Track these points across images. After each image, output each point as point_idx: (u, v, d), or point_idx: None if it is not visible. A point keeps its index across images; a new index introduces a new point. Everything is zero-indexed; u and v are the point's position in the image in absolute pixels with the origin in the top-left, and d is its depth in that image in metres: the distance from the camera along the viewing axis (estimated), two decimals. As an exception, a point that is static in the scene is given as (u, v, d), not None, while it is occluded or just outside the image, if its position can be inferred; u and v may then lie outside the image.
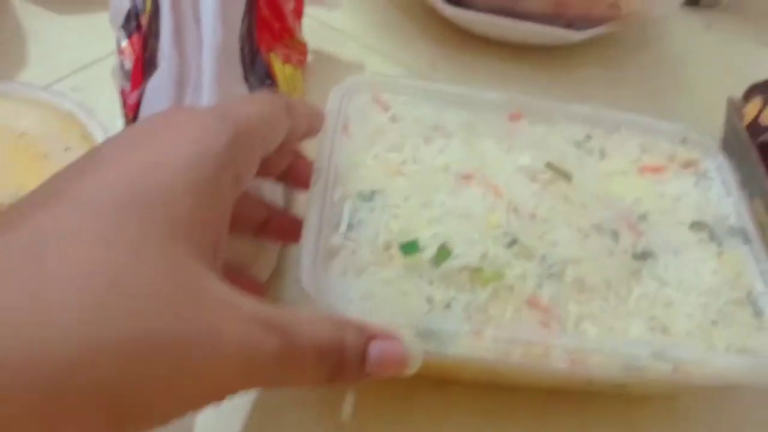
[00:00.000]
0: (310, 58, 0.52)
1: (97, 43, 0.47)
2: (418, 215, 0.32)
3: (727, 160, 0.38)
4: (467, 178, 0.34)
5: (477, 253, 0.31)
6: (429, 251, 0.31)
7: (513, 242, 0.31)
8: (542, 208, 0.33)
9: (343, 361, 0.23)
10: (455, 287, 0.30)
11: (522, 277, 0.30)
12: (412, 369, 0.25)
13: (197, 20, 0.34)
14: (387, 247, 0.31)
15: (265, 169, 0.29)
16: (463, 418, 0.33)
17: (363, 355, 0.23)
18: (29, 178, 0.32)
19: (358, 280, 0.30)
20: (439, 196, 0.33)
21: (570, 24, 0.53)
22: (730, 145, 0.48)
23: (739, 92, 0.48)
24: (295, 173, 0.33)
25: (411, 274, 0.30)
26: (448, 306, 0.29)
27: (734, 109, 0.48)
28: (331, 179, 0.32)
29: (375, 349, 0.24)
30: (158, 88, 0.33)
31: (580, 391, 0.33)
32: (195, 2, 0.34)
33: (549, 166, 0.35)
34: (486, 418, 0.33)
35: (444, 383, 0.34)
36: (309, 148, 0.34)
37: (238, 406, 0.32)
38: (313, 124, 0.32)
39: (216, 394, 0.21)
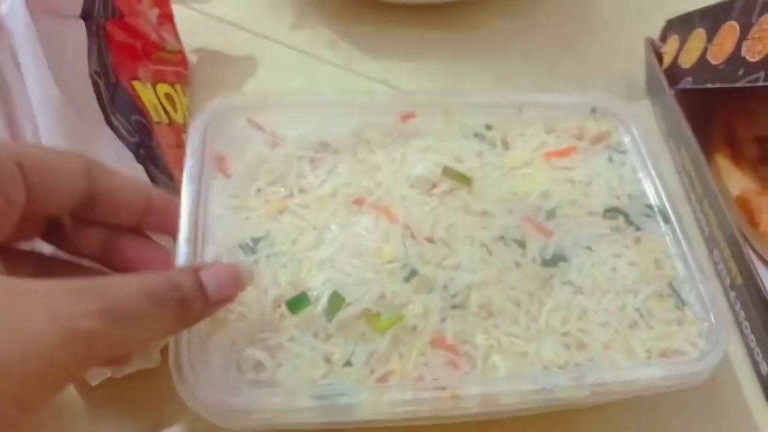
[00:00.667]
0: (194, 59, 0.47)
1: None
2: (307, 260, 0.29)
3: (651, 109, 0.34)
4: (358, 202, 0.32)
5: (373, 296, 0.28)
6: (321, 302, 0.28)
7: (411, 275, 0.29)
8: (441, 227, 0.30)
9: (185, 299, 0.24)
10: (354, 338, 0.28)
11: (424, 315, 0.28)
12: (249, 282, 0.26)
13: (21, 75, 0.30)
14: (277, 304, 0.28)
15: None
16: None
17: (201, 287, 0.25)
18: None
19: (247, 350, 0.27)
20: (328, 231, 0.30)
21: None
22: (653, 91, 0.45)
23: (657, 31, 0.45)
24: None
25: (305, 332, 0.28)
26: (347, 363, 0.27)
27: (652, 50, 0.44)
28: (204, 234, 0.30)
29: (208, 276, 0.25)
30: None
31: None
32: (14, 55, 0.30)
33: (446, 172, 0.32)
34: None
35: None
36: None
37: None
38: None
39: (50, 376, 0.20)
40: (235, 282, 0.26)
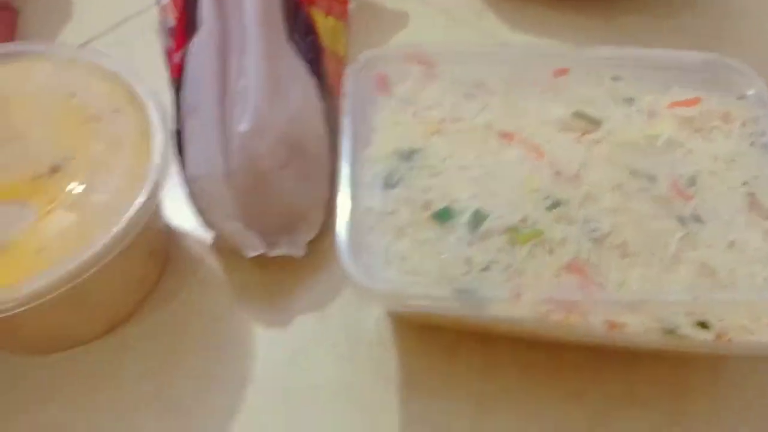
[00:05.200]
0: (352, 5, 0.50)
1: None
2: (456, 176, 0.32)
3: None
4: (508, 137, 0.34)
5: (515, 217, 0.30)
6: (465, 215, 0.31)
7: (554, 205, 0.31)
8: (585, 170, 0.32)
9: None
10: (494, 250, 0.30)
11: (562, 242, 0.30)
12: None
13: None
14: (426, 208, 0.31)
15: None
16: (506, 372, 0.33)
17: None
18: (81, 141, 0.31)
19: (396, 242, 0.30)
20: (478, 156, 0.33)
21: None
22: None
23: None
24: None
25: (449, 236, 0.30)
26: (486, 268, 0.29)
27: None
28: (364, 138, 0.32)
29: None
30: (201, 51, 0.33)
31: (624, 351, 0.33)
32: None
33: (579, 115, 0.34)
34: (528, 373, 0.33)
35: (487, 339, 0.34)
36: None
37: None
38: None
39: None
40: None
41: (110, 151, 0.31)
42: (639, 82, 0.36)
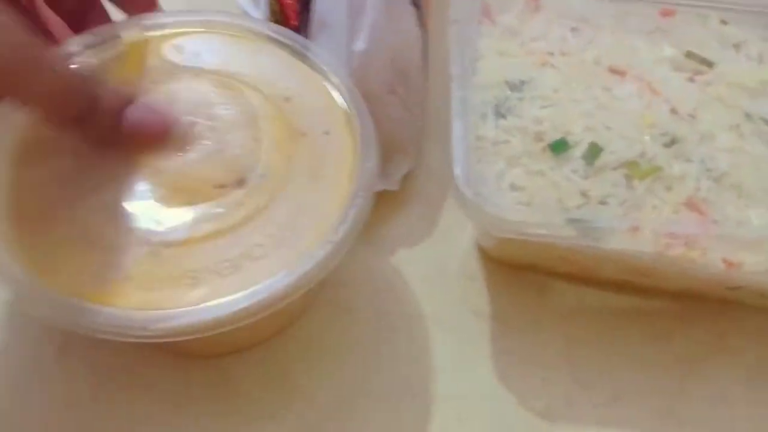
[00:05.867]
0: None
1: None
2: (569, 108, 0.31)
3: None
4: (618, 73, 0.33)
5: (633, 152, 0.30)
6: (580, 148, 0.30)
7: (671, 142, 0.30)
8: (700, 109, 0.31)
9: (93, 109, 0.24)
10: (610, 183, 0.29)
11: (680, 178, 0.29)
12: (161, 142, 0.26)
13: None
14: (538, 139, 0.30)
15: None
16: (595, 316, 0.33)
17: (117, 111, 0.24)
18: (278, 157, 0.27)
19: (509, 171, 0.29)
20: (590, 90, 0.32)
21: None
22: None
23: None
24: None
25: (564, 167, 0.29)
26: (603, 202, 0.29)
27: None
28: (472, 67, 0.31)
29: (134, 111, 0.25)
30: None
31: (719, 299, 0.32)
32: None
33: (701, 61, 0.33)
34: (618, 318, 0.33)
35: (578, 281, 0.34)
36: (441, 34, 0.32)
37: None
38: None
39: None
40: (156, 133, 0.26)
41: (306, 173, 0.27)
42: (746, 27, 0.35)
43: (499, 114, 0.31)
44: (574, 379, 0.32)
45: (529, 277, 0.34)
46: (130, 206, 0.25)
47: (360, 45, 0.31)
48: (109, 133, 0.25)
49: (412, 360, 0.32)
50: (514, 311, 0.33)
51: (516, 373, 0.32)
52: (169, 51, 0.29)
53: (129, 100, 0.25)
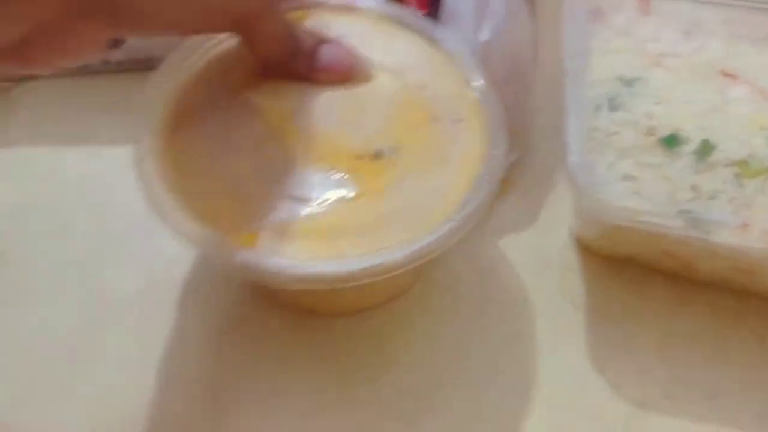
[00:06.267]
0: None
1: None
2: (681, 107, 0.32)
3: None
4: (730, 77, 0.33)
5: (744, 151, 0.30)
6: (691, 144, 0.31)
7: (783, 145, 0.30)
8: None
9: (299, 50, 0.28)
10: (720, 180, 0.30)
11: (792, 179, 0.30)
12: (354, 74, 0.29)
13: None
14: (650, 133, 0.31)
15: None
16: (692, 313, 0.33)
17: (314, 51, 0.28)
18: (412, 138, 0.28)
19: (621, 162, 0.30)
20: (702, 91, 0.32)
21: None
22: None
23: None
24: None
25: (675, 162, 0.30)
26: (713, 197, 0.29)
27: None
28: (585, 62, 0.33)
29: (326, 50, 0.28)
30: None
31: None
32: None
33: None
34: (717, 316, 0.33)
35: (675, 278, 0.34)
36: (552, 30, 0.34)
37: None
38: None
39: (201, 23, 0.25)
40: (345, 71, 0.29)
41: (436, 155, 0.28)
42: None
43: (612, 108, 0.32)
44: (671, 373, 0.32)
45: (626, 270, 0.35)
46: (275, 165, 0.27)
47: (484, 35, 0.32)
48: (307, 71, 0.28)
49: (507, 343, 0.33)
50: (610, 303, 0.34)
51: (611, 363, 0.32)
52: (315, 27, 0.31)
53: (322, 40, 0.29)
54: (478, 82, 0.30)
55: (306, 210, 0.26)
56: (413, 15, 0.32)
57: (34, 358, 0.32)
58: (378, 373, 0.32)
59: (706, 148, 0.30)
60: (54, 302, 0.33)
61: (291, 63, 0.28)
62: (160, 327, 0.32)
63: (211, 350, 0.32)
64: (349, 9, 0.32)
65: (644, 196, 0.29)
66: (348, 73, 0.29)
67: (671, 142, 0.30)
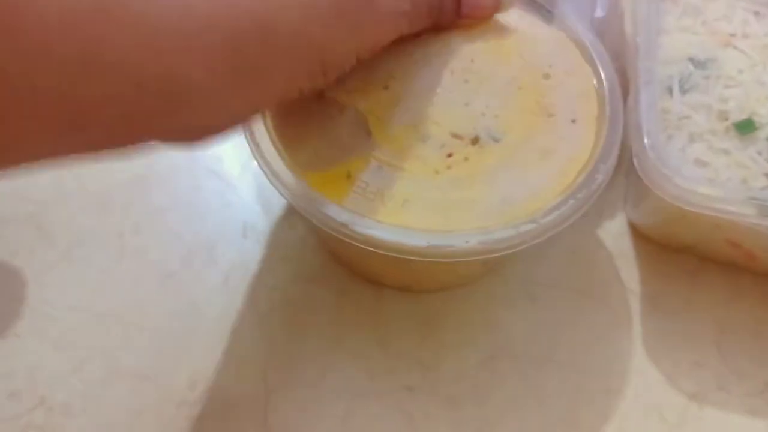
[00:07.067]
0: None
1: None
2: (755, 90, 0.30)
3: None
4: (804, 60, 0.32)
5: (822, 139, 0.29)
6: (766, 130, 0.29)
7: None
8: None
9: (443, 7, 0.27)
10: (796, 169, 0.28)
11: None
12: (502, 8, 0.28)
13: None
14: (723, 117, 0.30)
15: None
16: (748, 304, 0.33)
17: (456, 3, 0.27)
18: (519, 128, 0.26)
19: (692, 146, 0.29)
20: (775, 74, 0.31)
21: None
22: None
23: None
24: None
25: (749, 148, 0.29)
26: (787, 185, 0.28)
27: None
28: (656, 42, 0.31)
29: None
30: None
31: None
32: None
33: None
34: (772, 307, 0.32)
35: (731, 269, 0.33)
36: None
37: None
38: None
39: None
40: (489, 7, 0.28)
41: (539, 151, 0.26)
42: None
43: (683, 89, 0.30)
44: (726, 365, 0.31)
45: (682, 259, 0.34)
46: (372, 128, 0.26)
47: (599, 12, 0.31)
48: (452, 18, 0.27)
49: (562, 330, 0.32)
50: (666, 292, 0.33)
51: (666, 353, 0.31)
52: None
53: None
54: (605, 80, 0.28)
55: (389, 172, 0.25)
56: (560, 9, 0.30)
57: (78, 334, 0.31)
58: (430, 357, 0.31)
59: (781, 135, 0.29)
60: (97, 276, 0.33)
61: (438, 15, 0.27)
62: (207, 304, 0.32)
63: (261, 329, 0.31)
64: None
65: (717, 182, 0.28)
66: (489, 13, 0.28)
67: (745, 127, 0.29)
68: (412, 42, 0.27)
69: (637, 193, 0.33)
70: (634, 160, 0.28)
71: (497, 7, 0.28)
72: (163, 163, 0.36)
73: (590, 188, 0.25)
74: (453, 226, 0.24)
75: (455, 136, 0.26)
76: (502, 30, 0.29)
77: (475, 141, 0.26)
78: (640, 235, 0.34)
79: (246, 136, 0.26)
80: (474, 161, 0.26)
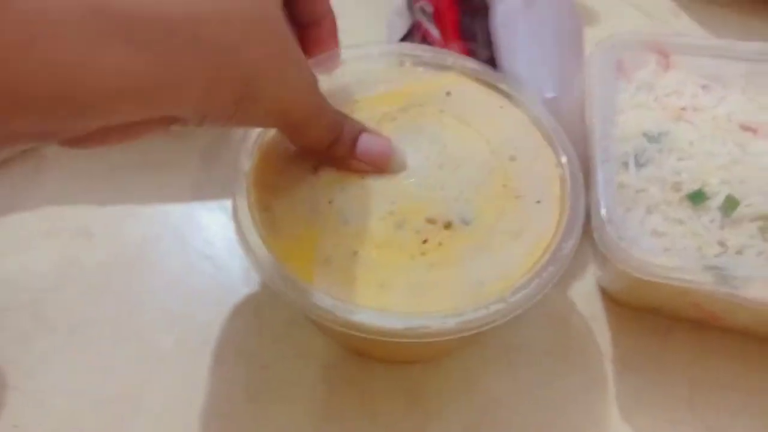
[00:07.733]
0: None
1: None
2: (705, 162, 0.33)
3: None
4: (750, 130, 0.34)
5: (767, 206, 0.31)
6: (717, 200, 0.31)
7: (808, 198, 0.31)
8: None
9: (340, 139, 0.28)
10: (746, 235, 0.30)
11: (818, 234, 0.30)
12: (390, 169, 0.29)
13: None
14: (676, 189, 0.32)
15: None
16: (720, 361, 0.34)
17: (354, 140, 0.29)
18: (489, 210, 0.29)
19: (649, 217, 0.31)
20: (724, 145, 0.33)
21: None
22: None
23: None
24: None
25: (702, 217, 0.31)
26: (740, 252, 0.30)
27: None
28: (611, 121, 0.34)
29: (365, 140, 0.29)
30: (510, 22, 0.34)
31: None
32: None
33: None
34: (745, 364, 0.34)
35: (700, 327, 0.35)
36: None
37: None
38: None
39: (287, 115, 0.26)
40: (382, 160, 0.29)
41: (509, 232, 0.28)
42: None
43: (639, 164, 0.33)
44: (702, 421, 0.33)
45: (652, 320, 0.35)
46: (350, 210, 0.28)
47: (550, 93, 0.33)
48: (346, 157, 0.29)
49: (540, 392, 0.33)
50: (637, 353, 0.34)
51: (642, 414, 0.33)
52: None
53: (362, 129, 0.29)
54: (566, 161, 0.30)
55: (365, 255, 0.27)
56: (518, 87, 0.33)
57: (76, 419, 0.32)
58: (416, 427, 0.32)
59: (731, 203, 0.31)
60: (93, 361, 0.34)
61: (330, 149, 0.28)
62: (196, 383, 0.33)
63: (254, 406, 0.33)
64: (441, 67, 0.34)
65: (673, 251, 0.30)
66: (384, 164, 0.29)
67: (697, 197, 0.31)
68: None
69: (602, 260, 0.35)
70: (594, 234, 0.30)
71: (386, 162, 0.29)
72: (154, 244, 0.38)
73: (555, 266, 0.27)
74: (428, 307, 0.26)
75: (429, 221, 0.28)
76: (468, 114, 0.31)
77: (447, 225, 0.28)
78: (609, 298, 0.36)
79: (234, 225, 0.28)
80: (447, 245, 0.28)
